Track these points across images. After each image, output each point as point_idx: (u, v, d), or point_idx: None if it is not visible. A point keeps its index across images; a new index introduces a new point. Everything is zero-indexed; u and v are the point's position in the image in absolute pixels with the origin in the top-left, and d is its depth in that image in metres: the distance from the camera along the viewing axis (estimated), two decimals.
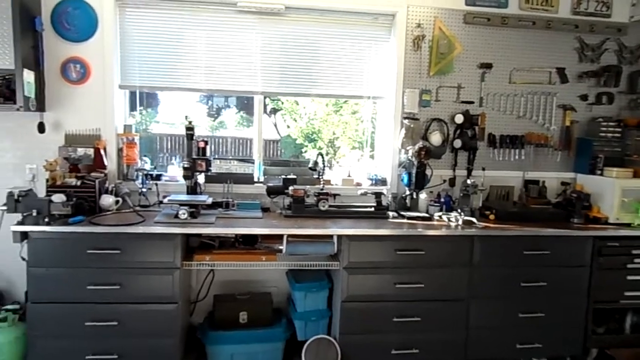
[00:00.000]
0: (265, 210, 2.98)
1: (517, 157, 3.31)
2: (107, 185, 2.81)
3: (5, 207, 2.33)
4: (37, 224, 2.32)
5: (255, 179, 3.18)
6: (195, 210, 2.59)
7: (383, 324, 2.66)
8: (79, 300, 2.39)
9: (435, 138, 3.19)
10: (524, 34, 3.27)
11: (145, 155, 3.18)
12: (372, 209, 2.94)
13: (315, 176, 3.06)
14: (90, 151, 2.87)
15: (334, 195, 2.93)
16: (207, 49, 3.05)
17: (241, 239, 2.68)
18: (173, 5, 2.98)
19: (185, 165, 2.73)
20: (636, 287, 2.88)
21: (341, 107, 4.99)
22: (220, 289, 3.06)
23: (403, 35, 3.14)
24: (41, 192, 2.54)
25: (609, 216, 2.99)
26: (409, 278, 2.65)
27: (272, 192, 2.99)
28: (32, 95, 2.67)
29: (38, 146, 2.86)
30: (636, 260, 2.86)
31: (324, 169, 3.02)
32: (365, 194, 3.03)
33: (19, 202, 2.32)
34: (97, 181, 2.68)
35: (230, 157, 3.35)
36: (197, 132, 2.82)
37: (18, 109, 2.58)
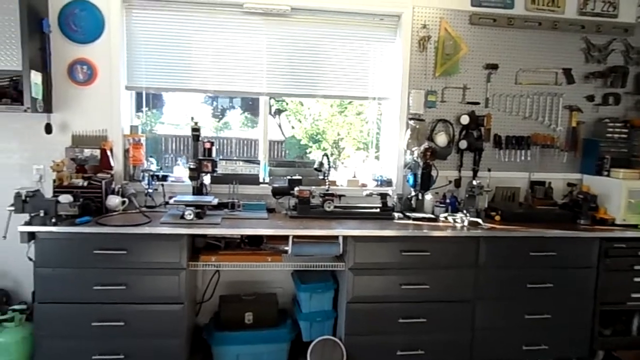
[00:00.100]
0: (270, 211, 2.99)
1: (523, 158, 3.30)
2: (113, 186, 2.82)
3: (12, 208, 2.34)
4: (44, 224, 2.33)
5: (261, 180, 3.18)
6: (201, 211, 2.60)
7: (388, 325, 2.65)
8: (85, 300, 2.40)
9: (441, 139, 3.18)
10: (530, 35, 3.26)
11: (150, 156, 3.19)
12: (378, 210, 2.94)
13: (321, 177, 3.06)
14: (97, 152, 2.88)
15: (340, 196, 2.93)
16: (213, 50, 3.05)
17: (247, 239, 2.68)
18: (179, 7, 2.99)
19: (192, 166, 2.74)
20: None
21: (346, 108, 5.00)
22: (225, 289, 3.07)
23: (409, 36, 3.14)
24: (48, 192, 2.55)
25: (616, 217, 2.97)
26: (415, 279, 2.65)
27: (277, 192, 2.99)
28: (40, 97, 2.69)
29: (45, 147, 2.87)
30: None
31: (329, 170, 3.02)
32: (370, 195, 3.02)
33: (27, 202, 2.34)
34: (103, 182, 2.70)
35: (236, 158, 3.36)
36: (202, 133, 2.83)
37: (25, 110, 2.60)
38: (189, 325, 2.67)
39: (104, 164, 2.87)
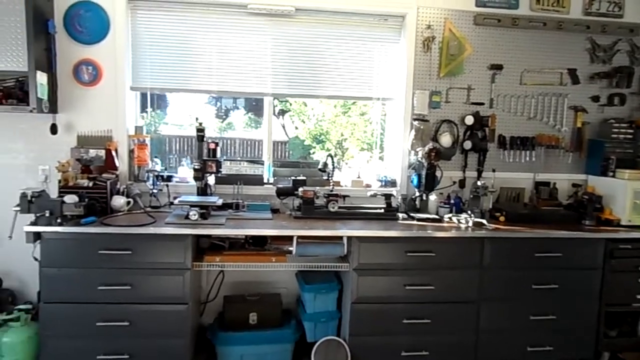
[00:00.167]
0: (275, 211, 2.99)
1: (527, 158, 3.29)
2: (118, 186, 2.83)
3: (18, 208, 2.36)
4: (49, 224, 2.34)
5: (265, 180, 3.18)
6: (205, 212, 2.60)
7: (393, 326, 2.65)
8: (90, 300, 2.41)
9: (445, 139, 3.18)
10: (535, 35, 3.25)
11: (155, 157, 3.20)
12: (382, 210, 2.94)
13: (325, 177, 3.06)
14: (102, 152, 2.89)
15: (344, 197, 2.93)
16: (217, 50, 3.06)
17: (251, 240, 2.69)
18: (184, 8, 3.00)
19: (196, 167, 2.75)
20: None
21: (349, 108, 5.00)
22: (230, 289, 3.07)
23: (413, 37, 3.14)
24: (53, 193, 2.56)
25: (621, 218, 2.96)
26: (419, 280, 2.64)
27: (281, 193, 2.99)
28: (45, 97, 2.70)
29: (50, 147, 2.89)
30: None
31: (333, 171, 3.02)
32: (375, 195, 3.02)
33: (32, 202, 2.35)
34: (108, 182, 2.70)
35: (240, 159, 3.37)
36: (206, 134, 2.84)
37: (31, 111, 2.62)
38: (193, 325, 2.68)
39: (109, 164, 2.88)
